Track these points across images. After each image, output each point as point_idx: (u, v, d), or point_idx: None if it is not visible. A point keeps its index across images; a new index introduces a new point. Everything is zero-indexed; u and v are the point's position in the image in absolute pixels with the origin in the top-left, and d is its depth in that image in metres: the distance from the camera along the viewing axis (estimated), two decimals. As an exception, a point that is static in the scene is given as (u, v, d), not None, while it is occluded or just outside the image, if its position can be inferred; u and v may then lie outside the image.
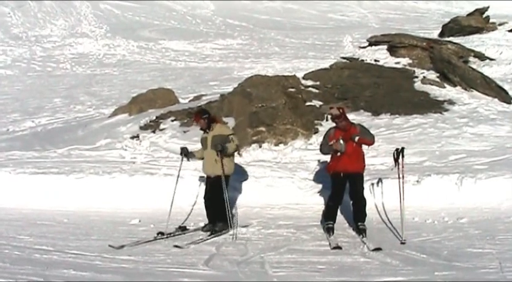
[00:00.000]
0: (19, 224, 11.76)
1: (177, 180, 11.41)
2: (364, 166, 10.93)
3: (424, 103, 18.50)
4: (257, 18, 52.67)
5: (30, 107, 26.69)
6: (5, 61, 39.14)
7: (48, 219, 12.11)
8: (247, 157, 15.36)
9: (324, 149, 11.00)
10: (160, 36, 45.82)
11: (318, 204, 12.77)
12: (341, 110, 10.80)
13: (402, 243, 10.02)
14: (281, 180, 13.95)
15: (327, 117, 10.81)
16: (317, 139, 16.00)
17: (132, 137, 17.29)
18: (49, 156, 16.38)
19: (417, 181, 12.97)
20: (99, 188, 13.80)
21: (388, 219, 11.51)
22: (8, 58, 39.80)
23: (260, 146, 15.76)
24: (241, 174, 14.07)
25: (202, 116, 11.12)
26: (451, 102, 18.63)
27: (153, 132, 17.41)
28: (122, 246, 9.95)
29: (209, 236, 10.62)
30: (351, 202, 10.90)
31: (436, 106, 18.25)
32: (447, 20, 36.33)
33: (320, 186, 13.54)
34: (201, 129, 11.20)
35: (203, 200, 11.27)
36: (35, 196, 13.64)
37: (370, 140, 10.76)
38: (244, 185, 13.62)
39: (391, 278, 8.06)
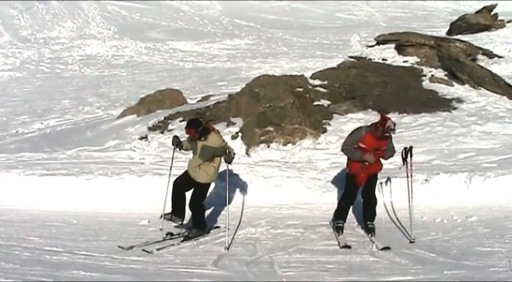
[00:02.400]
0: (29, 225, 11.81)
1: (170, 173, 11.31)
2: (382, 166, 10.87)
3: (432, 101, 18.45)
4: (264, 18, 52.70)
5: (39, 109, 26.76)
6: (13, 63, 39.26)
7: (58, 221, 12.15)
8: (256, 157, 15.36)
9: (352, 154, 10.52)
10: (167, 37, 45.87)
11: (327, 203, 12.76)
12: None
13: (411, 242, 10.03)
14: (289, 180, 13.95)
15: (388, 127, 10.39)
16: (325, 138, 16.00)
17: (141, 138, 17.30)
18: (58, 158, 16.42)
19: (426, 180, 12.95)
20: (108, 189, 13.83)
21: (397, 218, 11.51)
22: (17, 60, 39.92)
23: (268, 146, 15.74)
24: (249, 174, 14.09)
25: (197, 129, 10.63)
26: (459, 100, 18.57)
27: (162, 132, 17.41)
28: (131, 247, 9.99)
29: (182, 241, 10.55)
30: (362, 201, 10.89)
31: (444, 104, 18.20)
32: (455, 18, 36.26)
33: (328, 185, 13.54)
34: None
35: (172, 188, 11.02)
36: (45, 197, 13.68)
37: (388, 157, 10.71)
38: (253, 184, 13.61)
39: (400, 277, 8.07)
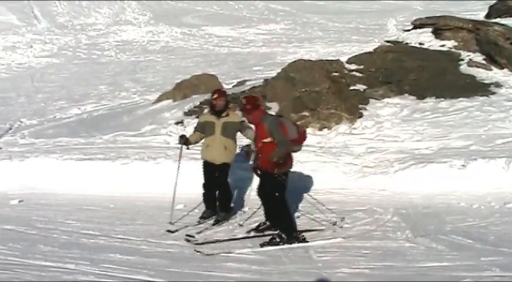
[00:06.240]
0: (67, 209, 11.96)
1: (178, 170, 11.22)
2: (273, 165, 9.30)
3: (470, 86, 18.22)
4: (300, 3, 52.34)
5: (76, 95, 27.01)
6: (51, 50, 39.61)
7: (95, 205, 12.28)
8: (291, 142, 15.33)
9: None
10: (203, 22, 45.87)
11: (362, 188, 12.74)
12: (244, 100, 9.55)
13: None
14: (325, 164, 13.91)
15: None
16: (361, 123, 15.94)
17: (177, 123, 17.38)
18: (95, 143, 16.59)
19: (463, 165, 12.82)
20: (144, 173, 13.93)
21: (434, 204, 11.41)
22: (54, 47, 40.27)
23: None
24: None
25: (223, 96, 10.82)
26: (497, 85, 18.30)
27: (197, 117, 17.40)
28: (176, 230, 10.06)
29: (213, 225, 10.58)
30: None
31: (482, 89, 17.96)
32: (494, 1, 35.62)
33: (364, 170, 13.48)
34: (213, 109, 10.82)
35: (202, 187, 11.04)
36: (82, 182, 13.84)
37: (273, 157, 9.05)
38: (289, 170, 13.59)
39: (437, 263, 8.01)
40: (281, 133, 8.99)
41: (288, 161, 9.34)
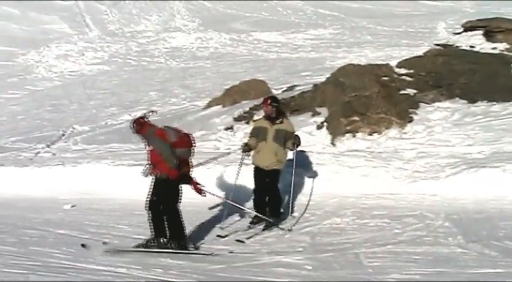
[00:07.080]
0: (118, 214, 12.13)
1: (237, 177, 11.35)
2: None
3: (523, 89, 17.88)
4: (348, 7, 52.15)
5: (127, 101, 27.38)
6: (102, 57, 40.23)
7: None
8: (341, 147, 15.28)
9: None
10: (251, 28, 46.00)
11: (413, 194, 12.60)
12: (134, 124, 9.87)
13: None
14: (375, 169, 13.82)
15: None
16: (411, 128, 15.75)
17: (226, 129, 17.47)
18: (146, 148, 16.75)
19: (516, 170, 12.58)
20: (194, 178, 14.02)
21: (486, 209, 11.22)
22: (106, 54, 40.87)
23: (354, 136, 15.64)
24: (335, 164, 14.04)
25: (273, 102, 10.91)
26: (552, 87, 17.94)
27: (247, 123, 17.51)
28: (226, 235, 10.11)
29: (263, 230, 10.60)
30: None
31: (536, 92, 17.61)
32: (547, 2, 35.02)
33: (415, 175, 13.34)
34: (267, 116, 10.94)
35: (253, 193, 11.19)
36: (133, 187, 13.98)
37: None
38: (339, 174, 13.55)
39: (489, 270, 7.87)
40: (155, 138, 9.54)
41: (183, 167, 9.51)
